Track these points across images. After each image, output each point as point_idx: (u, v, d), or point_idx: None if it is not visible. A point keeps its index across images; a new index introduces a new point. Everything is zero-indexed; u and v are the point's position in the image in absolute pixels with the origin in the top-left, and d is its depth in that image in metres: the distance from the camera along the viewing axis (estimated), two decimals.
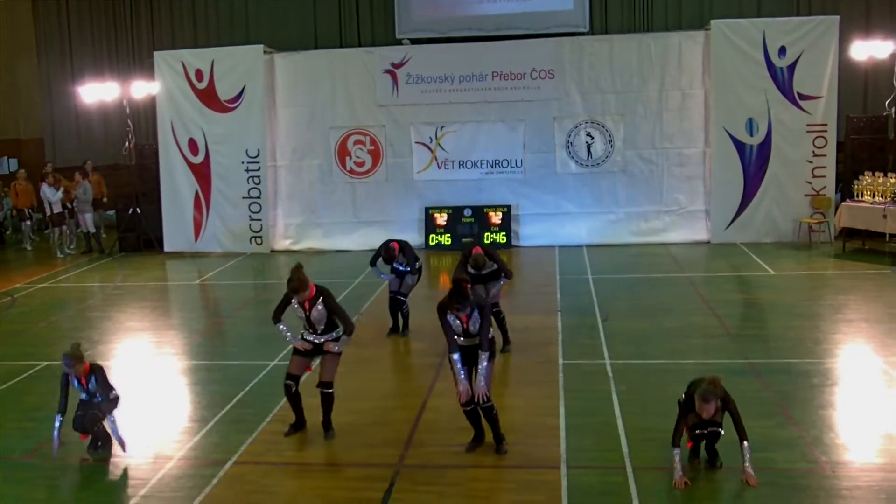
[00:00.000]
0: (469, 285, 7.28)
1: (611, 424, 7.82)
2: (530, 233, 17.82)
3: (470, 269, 9.95)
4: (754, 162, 16.90)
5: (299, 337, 7.94)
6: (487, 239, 17.41)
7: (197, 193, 18.35)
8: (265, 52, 18.08)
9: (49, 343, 11.39)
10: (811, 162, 16.72)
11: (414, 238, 17.20)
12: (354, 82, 18.06)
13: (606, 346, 10.28)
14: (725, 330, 10.93)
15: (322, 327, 7.77)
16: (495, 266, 10.23)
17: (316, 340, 7.82)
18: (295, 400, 7.89)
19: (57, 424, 7.42)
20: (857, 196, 15.67)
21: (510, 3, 19.26)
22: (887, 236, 15.03)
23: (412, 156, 18.08)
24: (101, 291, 15.11)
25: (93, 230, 19.13)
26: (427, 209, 17.77)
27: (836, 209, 16.26)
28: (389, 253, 10.91)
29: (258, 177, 18.06)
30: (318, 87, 18.15)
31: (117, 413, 7.74)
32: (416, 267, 11.07)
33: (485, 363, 7.15)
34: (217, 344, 11.59)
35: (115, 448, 7.69)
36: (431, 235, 17.78)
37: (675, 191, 17.48)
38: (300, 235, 18.45)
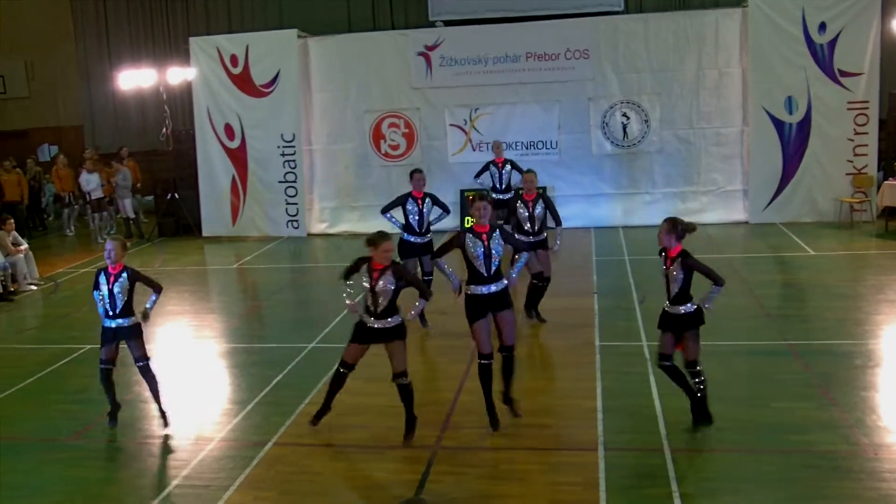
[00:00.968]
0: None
1: (648, 406, 7.79)
2: (566, 214, 17.38)
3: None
4: (793, 141, 16.64)
5: (359, 309, 7.50)
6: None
7: (234, 178, 18.50)
8: (299, 36, 18.13)
9: (91, 327, 11.50)
10: (852, 140, 16.42)
11: (449, 220, 17.16)
12: (388, 65, 18.04)
13: (643, 327, 10.21)
14: (764, 311, 10.82)
15: (384, 305, 7.19)
16: (544, 236, 10.27)
17: (373, 324, 7.32)
18: (338, 387, 7.65)
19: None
20: None
21: None
22: None
23: (447, 138, 18.06)
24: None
25: (132, 215, 19.40)
26: (462, 192, 17.75)
27: (878, 188, 15.99)
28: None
29: (294, 161, 18.16)
30: (352, 71, 18.16)
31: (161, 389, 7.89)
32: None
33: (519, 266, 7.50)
34: (255, 327, 11.72)
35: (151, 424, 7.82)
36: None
37: (713, 171, 17.28)
38: (336, 219, 18.54)
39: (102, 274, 7.75)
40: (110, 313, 7.72)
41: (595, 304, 11.43)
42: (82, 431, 7.96)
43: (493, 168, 14.55)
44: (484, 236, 7.36)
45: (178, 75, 18.97)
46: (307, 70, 18.33)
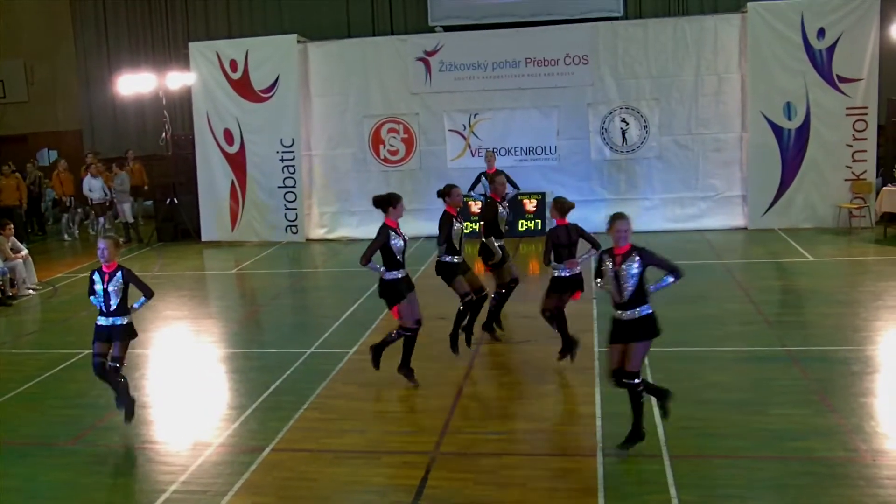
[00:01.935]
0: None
1: (647, 412, 7.74)
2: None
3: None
4: (792, 146, 16.66)
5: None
6: (522, 227, 17.38)
7: (233, 183, 18.52)
8: (299, 41, 18.16)
9: (90, 332, 11.40)
10: (851, 146, 16.44)
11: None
12: (388, 70, 18.07)
13: None
14: (763, 317, 10.81)
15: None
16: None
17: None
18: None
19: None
20: None
21: None
22: None
23: (446, 143, 18.08)
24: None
25: (131, 220, 19.40)
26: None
27: (877, 194, 16.00)
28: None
29: (293, 166, 18.17)
30: (352, 76, 18.19)
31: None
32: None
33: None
34: (254, 332, 11.71)
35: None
36: (466, 223, 17.74)
37: (712, 176, 17.30)
38: (335, 224, 18.55)
39: (97, 273, 7.77)
40: (104, 311, 7.75)
41: (594, 309, 11.42)
42: (80, 436, 7.94)
43: (484, 179, 14.50)
44: (619, 258, 6.91)
45: (177, 80, 18.99)
46: (307, 75, 18.35)
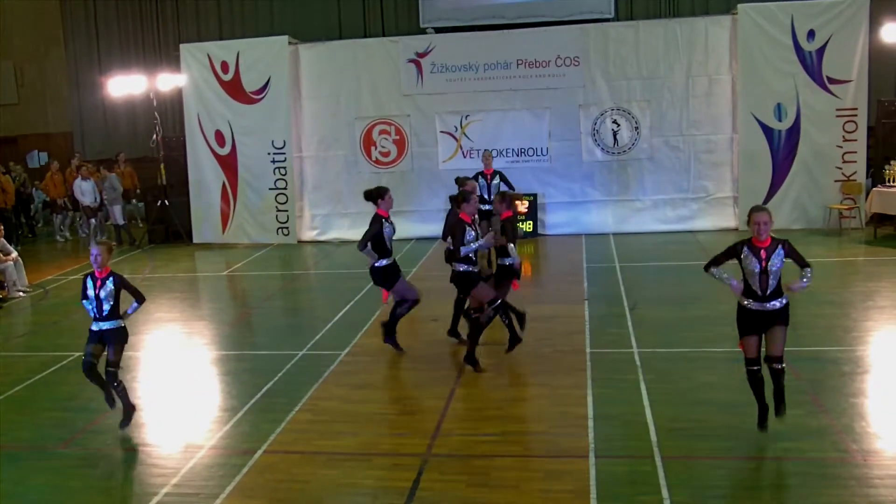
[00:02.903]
0: None
1: (639, 414, 7.80)
2: (556, 221, 17.77)
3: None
4: (783, 148, 16.73)
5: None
6: None
7: (224, 185, 18.48)
8: (290, 43, 18.14)
9: (81, 335, 11.39)
10: (841, 147, 16.52)
11: (440, 228, 17.18)
12: (379, 72, 18.06)
13: (634, 334, 10.24)
14: None
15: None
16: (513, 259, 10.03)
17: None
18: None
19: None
20: (889, 181, 15.48)
21: None
22: None
23: (437, 145, 18.08)
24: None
25: (122, 222, 19.34)
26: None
27: (867, 195, 16.07)
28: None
29: (284, 168, 18.14)
30: (343, 78, 18.18)
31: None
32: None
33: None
34: (246, 334, 11.69)
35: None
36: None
37: (703, 178, 17.36)
38: (326, 226, 18.53)
39: (89, 278, 7.79)
40: (97, 317, 7.77)
41: (586, 311, 11.44)
42: (71, 439, 7.91)
43: (481, 179, 14.49)
44: (763, 251, 6.94)
45: (168, 82, 18.95)
46: (298, 77, 18.32)
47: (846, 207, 16.40)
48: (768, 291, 6.88)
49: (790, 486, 6.37)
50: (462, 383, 8.96)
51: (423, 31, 19.54)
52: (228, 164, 18.40)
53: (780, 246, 6.94)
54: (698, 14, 18.74)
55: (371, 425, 7.88)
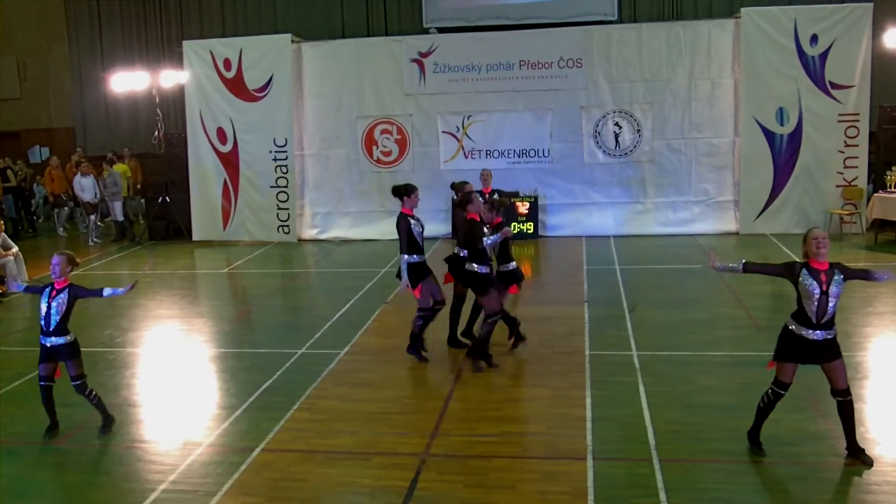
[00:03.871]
0: None
1: (637, 416, 7.80)
2: (557, 223, 17.78)
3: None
4: (784, 152, 16.73)
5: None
6: (514, 229, 17.35)
7: (225, 182, 18.49)
8: (293, 41, 18.14)
9: (79, 330, 11.41)
10: (843, 152, 16.53)
11: (441, 228, 17.23)
12: (381, 71, 18.06)
13: (633, 337, 10.23)
14: (753, 322, 10.85)
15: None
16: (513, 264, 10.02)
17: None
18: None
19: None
20: (890, 187, 15.48)
21: None
22: None
23: (439, 145, 18.08)
24: (131, 279, 15.24)
25: (121, 218, 19.35)
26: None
27: (868, 200, 16.07)
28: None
29: (286, 166, 18.15)
30: (346, 76, 18.18)
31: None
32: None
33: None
34: (245, 332, 11.68)
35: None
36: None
37: (704, 181, 17.36)
38: (327, 224, 18.53)
39: (48, 288, 7.59)
40: (45, 330, 7.56)
41: (586, 312, 11.44)
42: (69, 435, 7.91)
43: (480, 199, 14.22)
44: (823, 275, 6.48)
45: (170, 78, 18.96)
46: (300, 75, 18.33)
47: (847, 213, 16.40)
48: (824, 319, 6.49)
49: (788, 491, 6.37)
50: (461, 384, 8.96)
51: (426, 31, 19.54)
52: (230, 162, 18.40)
53: (836, 269, 6.49)
54: (701, 17, 18.74)
55: (369, 424, 7.87)
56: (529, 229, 17.44)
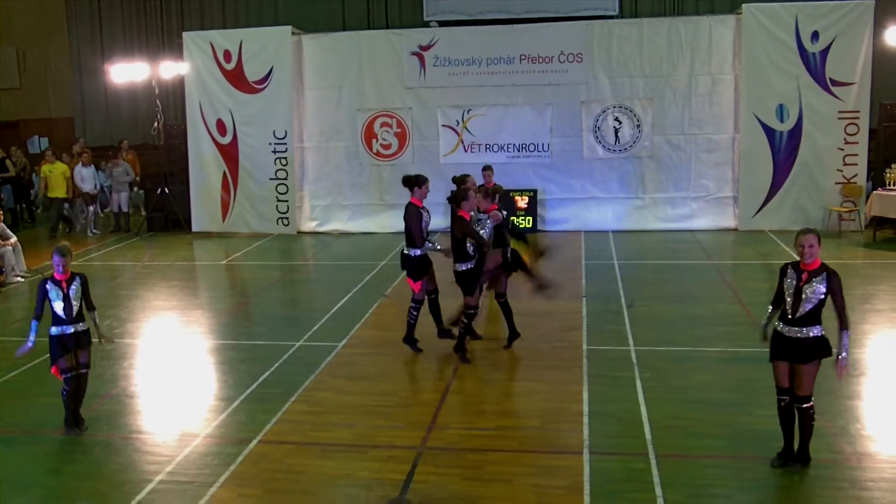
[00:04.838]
0: None
1: (634, 411, 7.81)
2: (556, 217, 17.77)
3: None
4: (784, 148, 16.71)
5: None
6: (517, 223, 17.35)
7: (225, 174, 18.46)
8: (293, 33, 18.10)
9: None
10: (842, 149, 16.50)
11: (440, 221, 17.19)
12: (382, 64, 18.03)
13: (631, 332, 10.25)
14: (751, 318, 10.85)
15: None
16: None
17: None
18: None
19: (34, 327, 7.63)
20: (889, 185, 15.47)
21: None
22: None
23: (439, 139, 18.05)
24: (130, 270, 15.28)
25: (126, 210, 19.34)
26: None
27: (867, 198, 16.06)
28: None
29: (285, 158, 18.12)
30: (346, 69, 18.15)
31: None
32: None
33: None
34: (244, 324, 11.69)
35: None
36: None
37: (704, 177, 17.35)
38: (326, 217, 18.52)
39: (51, 283, 7.61)
40: (66, 319, 7.60)
41: (584, 307, 11.45)
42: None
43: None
44: (806, 274, 6.47)
45: (170, 70, 18.92)
46: (300, 67, 18.29)
47: (846, 210, 16.40)
48: (797, 314, 6.44)
49: (783, 487, 6.38)
50: (458, 377, 8.97)
51: (426, 25, 19.51)
52: (229, 154, 18.37)
53: (825, 273, 6.41)
54: (703, 13, 18.72)
55: (367, 417, 7.89)
56: (528, 224, 17.39)
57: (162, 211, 19.16)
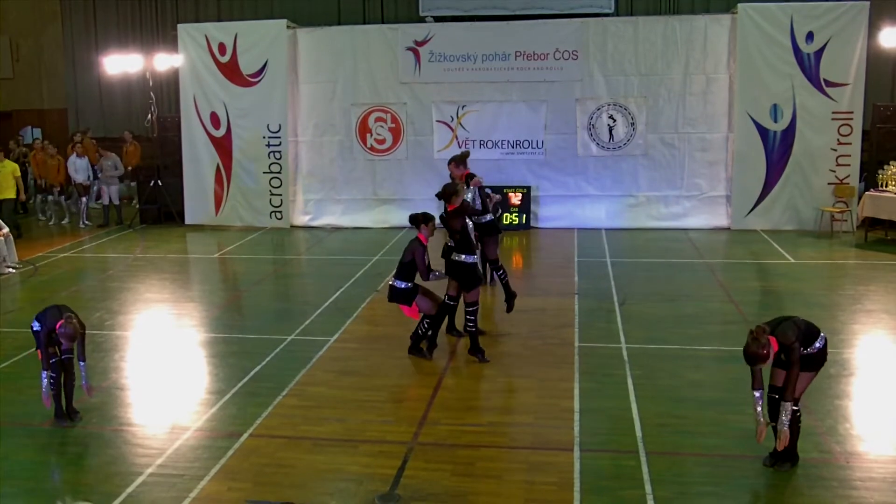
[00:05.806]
0: None
1: (625, 408, 7.83)
2: (549, 214, 17.78)
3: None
4: (777, 148, 16.75)
5: None
6: (506, 220, 17.38)
7: (218, 167, 18.42)
8: (288, 26, 18.05)
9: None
10: (835, 150, 16.55)
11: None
12: (377, 59, 18.00)
13: (623, 330, 10.27)
14: (742, 317, 10.88)
15: None
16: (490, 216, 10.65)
17: None
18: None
19: (45, 382, 7.56)
20: (882, 186, 15.53)
21: None
22: None
23: (433, 134, 18.04)
24: (122, 262, 15.23)
25: (116, 202, 19.26)
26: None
27: (860, 198, 16.11)
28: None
29: (279, 152, 18.09)
30: (341, 64, 18.11)
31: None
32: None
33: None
34: (235, 317, 11.67)
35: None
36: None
37: (697, 176, 17.37)
38: (319, 211, 18.50)
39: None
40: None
41: (576, 304, 11.47)
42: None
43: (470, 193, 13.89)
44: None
45: (165, 62, 18.85)
46: (295, 61, 18.25)
47: (838, 210, 16.45)
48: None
49: (773, 486, 6.40)
50: (450, 373, 8.98)
51: (422, 20, 19.46)
52: (223, 147, 18.33)
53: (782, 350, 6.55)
54: (698, 12, 18.74)
55: (358, 412, 7.89)
56: (521, 220, 17.41)
57: (155, 203, 19.11)
